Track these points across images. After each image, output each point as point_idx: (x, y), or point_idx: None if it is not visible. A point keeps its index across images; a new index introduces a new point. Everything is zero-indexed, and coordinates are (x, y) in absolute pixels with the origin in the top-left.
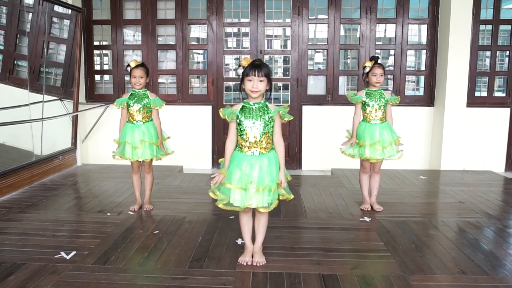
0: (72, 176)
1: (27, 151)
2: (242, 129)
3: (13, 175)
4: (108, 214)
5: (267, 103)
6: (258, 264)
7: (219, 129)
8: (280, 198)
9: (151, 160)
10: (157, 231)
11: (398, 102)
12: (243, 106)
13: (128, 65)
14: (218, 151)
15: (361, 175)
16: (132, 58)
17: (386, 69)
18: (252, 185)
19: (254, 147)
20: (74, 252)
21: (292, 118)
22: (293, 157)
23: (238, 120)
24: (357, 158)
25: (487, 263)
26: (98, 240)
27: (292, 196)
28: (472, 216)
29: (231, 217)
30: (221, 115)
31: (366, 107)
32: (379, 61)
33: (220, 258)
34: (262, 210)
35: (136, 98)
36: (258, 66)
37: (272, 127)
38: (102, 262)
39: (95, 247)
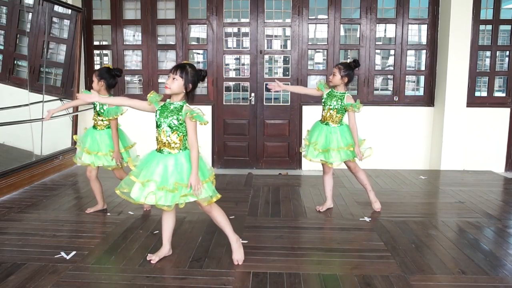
0: (72, 176)
1: (27, 151)
2: (156, 126)
3: (13, 175)
4: (108, 214)
5: (186, 104)
6: (236, 263)
7: (219, 129)
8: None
9: (116, 167)
10: (157, 231)
11: (359, 110)
12: (164, 104)
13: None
14: (218, 151)
15: (322, 175)
16: (132, 58)
17: (386, 69)
18: (151, 183)
19: (164, 146)
20: (74, 252)
21: (206, 122)
22: (293, 157)
23: (156, 118)
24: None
25: (487, 263)
26: (98, 240)
27: (215, 199)
28: (472, 216)
29: (231, 217)
30: (149, 97)
31: (323, 105)
32: (343, 62)
33: (220, 258)
34: (165, 209)
35: (94, 104)
36: (177, 65)
37: (184, 128)
38: (102, 262)
39: (95, 247)
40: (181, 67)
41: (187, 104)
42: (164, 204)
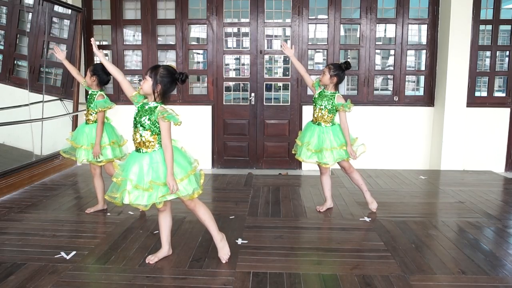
0: (72, 176)
1: (27, 151)
2: (132, 126)
3: (13, 175)
4: (108, 214)
5: (160, 105)
6: (224, 261)
7: (219, 129)
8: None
9: (107, 162)
10: (157, 231)
11: (350, 110)
12: (142, 104)
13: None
14: (218, 151)
15: (320, 176)
16: (133, 58)
17: (386, 69)
18: (127, 182)
19: (139, 145)
20: (74, 252)
21: (180, 123)
22: (293, 157)
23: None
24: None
25: (487, 263)
26: (98, 240)
27: (196, 195)
28: (472, 216)
29: (231, 217)
30: (136, 94)
31: (314, 105)
32: (334, 63)
33: None
34: (142, 208)
35: (90, 98)
36: (151, 66)
37: (157, 128)
38: (102, 262)
39: (95, 247)
40: (152, 68)
41: (162, 105)
42: (140, 204)
